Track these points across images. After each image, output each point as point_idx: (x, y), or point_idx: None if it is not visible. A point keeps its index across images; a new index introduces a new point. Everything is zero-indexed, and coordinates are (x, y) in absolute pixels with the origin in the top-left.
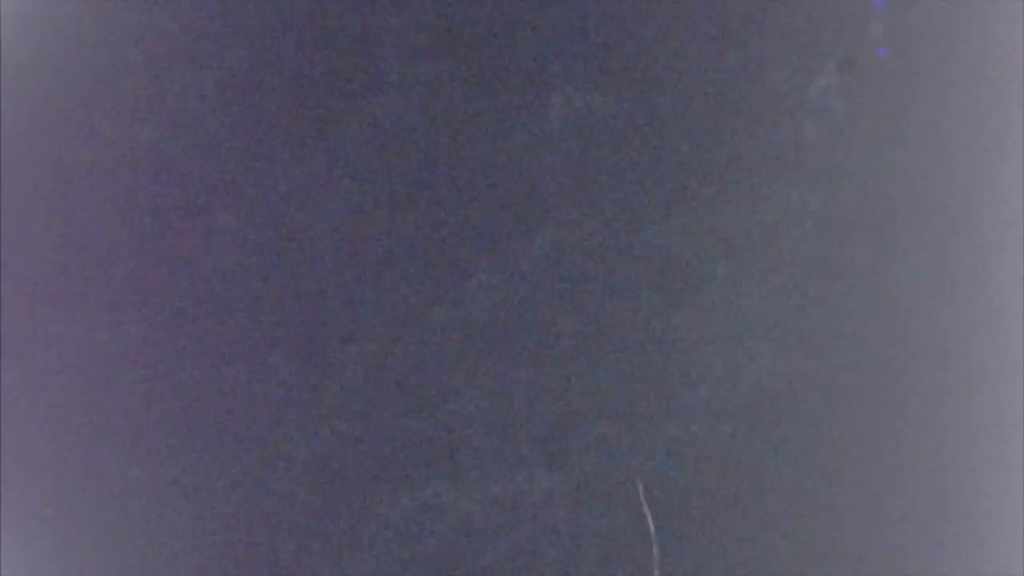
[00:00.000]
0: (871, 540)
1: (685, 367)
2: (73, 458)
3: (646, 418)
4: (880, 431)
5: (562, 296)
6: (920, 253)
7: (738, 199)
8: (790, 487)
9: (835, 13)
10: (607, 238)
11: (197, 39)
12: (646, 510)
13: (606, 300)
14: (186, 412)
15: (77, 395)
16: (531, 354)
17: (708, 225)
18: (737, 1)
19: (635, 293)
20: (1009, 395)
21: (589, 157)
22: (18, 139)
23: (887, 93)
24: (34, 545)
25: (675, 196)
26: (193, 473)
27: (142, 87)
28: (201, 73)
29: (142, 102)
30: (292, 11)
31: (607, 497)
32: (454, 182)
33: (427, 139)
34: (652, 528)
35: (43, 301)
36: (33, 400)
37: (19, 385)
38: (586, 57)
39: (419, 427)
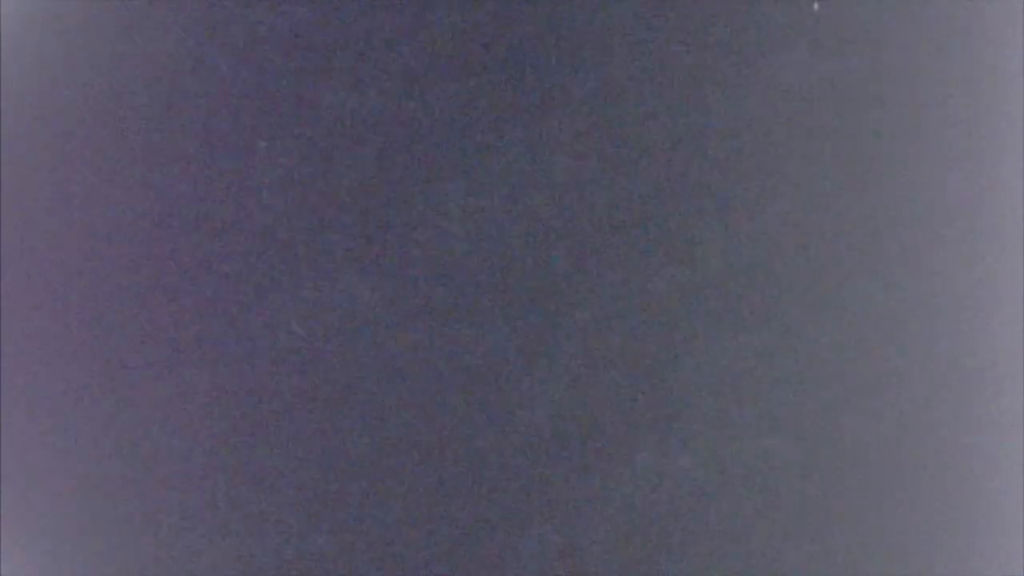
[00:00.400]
0: (871, 540)
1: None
2: (73, 458)
3: (871, 388)
4: (880, 431)
5: (794, 259)
6: (920, 253)
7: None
8: (788, 486)
9: None
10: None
11: (199, 38)
12: None
13: (838, 264)
14: (196, 410)
15: (77, 395)
16: (762, 319)
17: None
18: None
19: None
20: (1009, 395)
21: (820, 125)
22: (18, 139)
23: (887, 93)
24: (34, 545)
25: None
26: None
27: (143, 86)
28: (204, 72)
29: (143, 101)
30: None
31: (838, 464)
32: (684, 145)
33: (655, 114)
34: None
35: (43, 301)
36: (33, 400)
37: (19, 385)
38: (818, 27)
39: (647, 392)
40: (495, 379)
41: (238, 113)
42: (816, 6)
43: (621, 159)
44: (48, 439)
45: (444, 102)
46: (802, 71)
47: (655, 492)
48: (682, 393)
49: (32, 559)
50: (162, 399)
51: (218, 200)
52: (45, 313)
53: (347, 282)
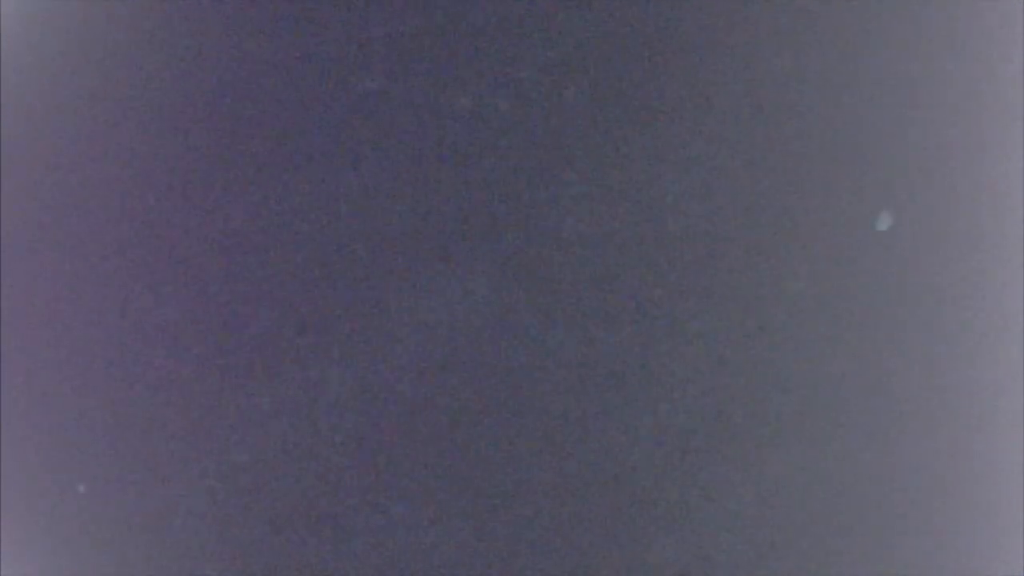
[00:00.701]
0: (871, 540)
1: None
2: (73, 458)
3: (870, 388)
4: (880, 430)
5: (793, 259)
6: (920, 254)
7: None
8: (787, 485)
9: None
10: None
11: (200, 38)
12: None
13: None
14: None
15: (77, 395)
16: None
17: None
18: None
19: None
20: (1009, 395)
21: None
22: (18, 139)
23: (886, 93)
24: (34, 545)
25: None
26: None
27: (143, 87)
28: (204, 72)
29: (143, 102)
30: (302, 7)
31: (836, 463)
32: (789, 149)
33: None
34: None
35: (43, 301)
36: (33, 400)
37: (19, 385)
38: (817, 27)
39: (774, 394)
40: (615, 381)
41: (241, 112)
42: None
43: (737, 162)
44: (48, 439)
45: (567, 106)
46: (801, 71)
47: (785, 497)
48: (811, 395)
49: (32, 559)
50: (163, 399)
51: (223, 197)
52: (45, 313)
53: (465, 280)
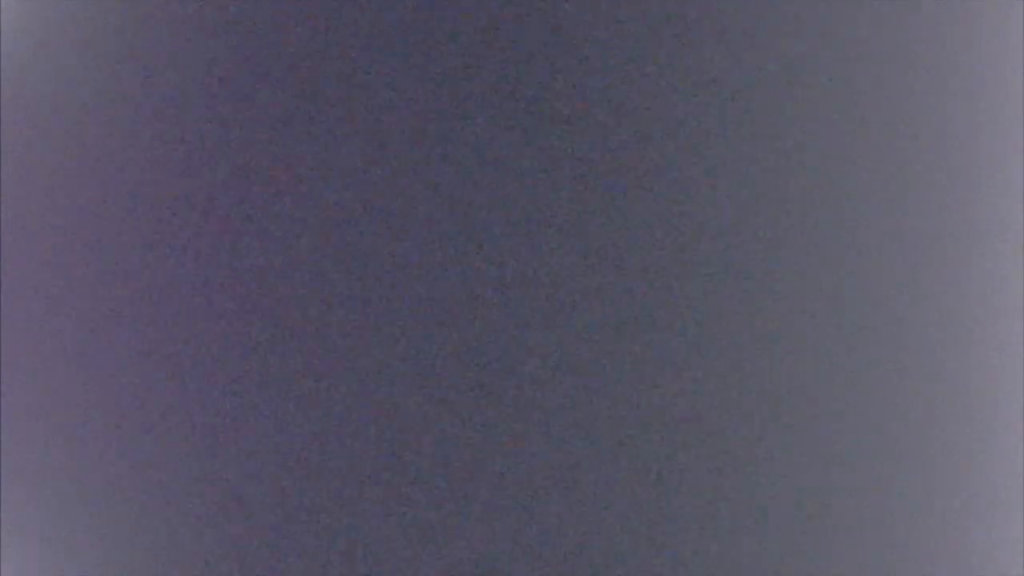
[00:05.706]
0: (871, 540)
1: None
2: (73, 458)
3: (871, 388)
4: (879, 430)
5: (793, 259)
6: (920, 254)
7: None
8: (788, 485)
9: None
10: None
11: (199, 38)
12: None
13: (838, 264)
14: (186, 412)
15: (77, 395)
16: (756, 318)
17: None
18: None
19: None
20: (1009, 395)
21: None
22: (18, 139)
23: (886, 93)
24: (34, 545)
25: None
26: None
27: (143, 87)
28: (203, 72)
29: (143, 102)
30: (302, 8)
31: (836, 463)
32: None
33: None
34: None
35: (43, 301)
36: (33, 400)
37: (19, 385)
38: (817, 27)
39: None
40: (609, 386)
41: (240, 112)
42: None
43: (737, 161)
44: (48, 439)
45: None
46: (800, 71)
47: (785, 497)
48: (811, 396)
49: (32, 559)
50: (163, 398)
51: (222, 197)
52: (45, 313)
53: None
